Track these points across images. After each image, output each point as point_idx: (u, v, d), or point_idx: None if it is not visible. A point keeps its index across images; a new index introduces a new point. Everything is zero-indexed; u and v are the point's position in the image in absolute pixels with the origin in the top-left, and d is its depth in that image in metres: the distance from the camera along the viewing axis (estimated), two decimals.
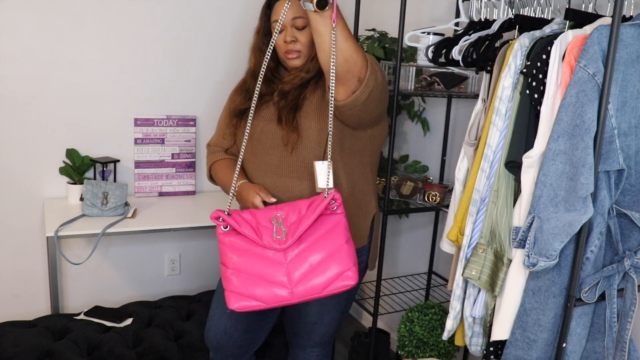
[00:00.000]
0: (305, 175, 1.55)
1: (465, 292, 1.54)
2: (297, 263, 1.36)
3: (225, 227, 1.39)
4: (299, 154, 1.55)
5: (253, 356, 1.85)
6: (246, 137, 1.45)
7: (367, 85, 1.41)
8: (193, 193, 2.61)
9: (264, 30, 1.62)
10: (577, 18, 1.39)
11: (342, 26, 1.35)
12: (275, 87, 1.60)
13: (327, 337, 1.74)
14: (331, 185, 1.42)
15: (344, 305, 1.71)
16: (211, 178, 1.80)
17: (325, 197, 1.39)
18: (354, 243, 1.49)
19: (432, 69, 2.07)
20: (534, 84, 1.35)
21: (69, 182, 2.33)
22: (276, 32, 1.43)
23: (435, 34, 1.95)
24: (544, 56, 1.32)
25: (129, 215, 2.20)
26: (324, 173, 1.43)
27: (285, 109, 1.55)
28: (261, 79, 1.42)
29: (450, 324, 1.57)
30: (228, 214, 1.40)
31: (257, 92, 1.43)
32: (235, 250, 1.38)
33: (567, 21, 1.39)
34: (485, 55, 1.62)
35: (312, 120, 1.54)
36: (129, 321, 2.13)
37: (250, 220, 1.40)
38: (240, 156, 1.47)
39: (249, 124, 1.45)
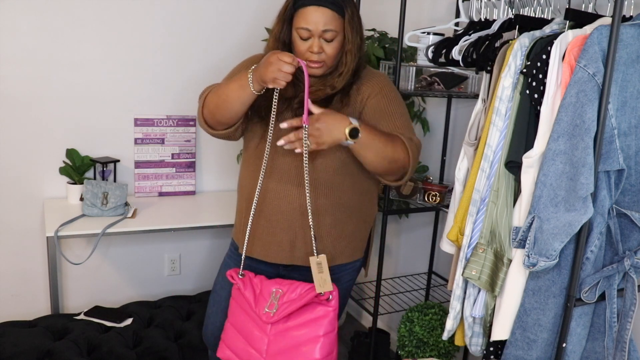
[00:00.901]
0: (312, 187, 1.52)
1: (465, 292, 1.54)
2: (277, 338, 1.47)
3: (242, 275, 1.54)
4: (314, 167, 1.53)
5: None
6: (269, 141, 1.47)
7: (412, 169, 1.52)
8: (193, 193, 2.61)
9: (284, 36, 1.52)
10: (577, 18, 1.39)
11: (378, 138, 1.42)
12: (299, 91, 1.53)
13: None
14: (328, 288, 1.45)
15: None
16: (205, 116, 1.59)
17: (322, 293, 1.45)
18: (354, 255, 1.61)
19: (432, 69, 2.07)
20: (534, 84, 1.35)
21: (69, 182, 2.33)
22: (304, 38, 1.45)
23: (435, 34, 1.95)
24: (544, 56, 1.32)
25: (129, 215, 2.20)
26: (316, 272, 1.45)
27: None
28: (276, 98, 1.42)
29: (450, 324, 1.57)
30: (242, 275, 1.54)
31: (274, 108, 1.44)
32: (239, 307, 1.54)
33: (567, 21, 1.39)
34: (485, 55, 1.62)
35: None
36: (129, 321, 2.13)
37: (256, 286, 1.52)
38: (266, 156, 1.49)
39: (271, 128, 1.46)
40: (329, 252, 1.55)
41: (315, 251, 1.45)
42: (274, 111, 1.44)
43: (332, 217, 1.57)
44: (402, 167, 1.49)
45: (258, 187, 1.52)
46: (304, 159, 1.41)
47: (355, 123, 1.39)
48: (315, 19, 1.43)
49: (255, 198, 1.53)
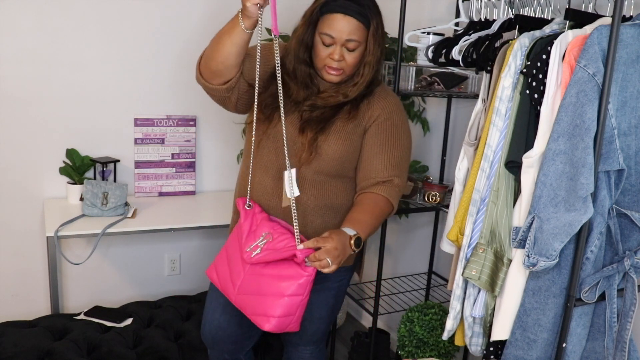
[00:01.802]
0: (303, 188, 1.54)
1: (465, 292, 1.54)
2: (250, 279, 1.47)
3: (249, 206, 1.56)
4: (309, 168, 1.54)
5: (251, 353, 1.85)
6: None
7: (395, 210, 1.57)
8: (193, 193, 2.61)
9: (308, 38, 1.50)
10: (577, 18, 1.39)
11: (372, 226, 1.49)
12: (311, 94, 1.54)
13: (318, 335, 1.74)
14: (296, 193, 1.43)
15: (332, 303, 1.70)
16: (201, 69, 1.54)
17: (306, 261, 1.40)
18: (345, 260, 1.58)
19: (432, 69, 2.07)
20: (534, 84, 1.35)
21: (69, 182, 2.33)
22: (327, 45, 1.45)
23: (435, 34, 1.95)
24: (544, 56, 1.32)
25: (129, 215, 2.20)
26: (288, 182, 1.43)
27: (311, 124, 1.51)
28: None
29: (450, 324, 1.57)
30: (249, 205, 1.55)
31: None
32: (234, 238, 1.55)
33: (567, 21, 1.39)
34: (485, 55, 1.62)
35: (333, 144, 1.52)
36: (129, 321, 2.13)
37: (254, 222, 1.51)
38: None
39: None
40: None
41: (298, 242, 1.42)
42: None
43: (321, 218, 1.57)
44: (388, 215, 1.57)
45: (249, 181, 1.57)
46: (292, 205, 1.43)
47: (352, 233, 1.42)
48: (341, 27, 1.43)
49: (248, 190, 1.56)
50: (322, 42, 1.46)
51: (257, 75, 1.44)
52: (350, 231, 1.42)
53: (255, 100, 1.48)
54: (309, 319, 1.67)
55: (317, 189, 1.56)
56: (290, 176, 1.42)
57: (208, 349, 1.80)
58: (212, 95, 1.57)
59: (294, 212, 1.40)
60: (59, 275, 2.45)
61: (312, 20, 1.48)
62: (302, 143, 1.51)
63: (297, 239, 1.39)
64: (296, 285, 1.40)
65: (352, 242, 1.40)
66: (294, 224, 1.40)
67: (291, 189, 1.42)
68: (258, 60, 1.42)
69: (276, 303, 1.41)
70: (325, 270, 1.35)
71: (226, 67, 1.48)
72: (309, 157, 1.51)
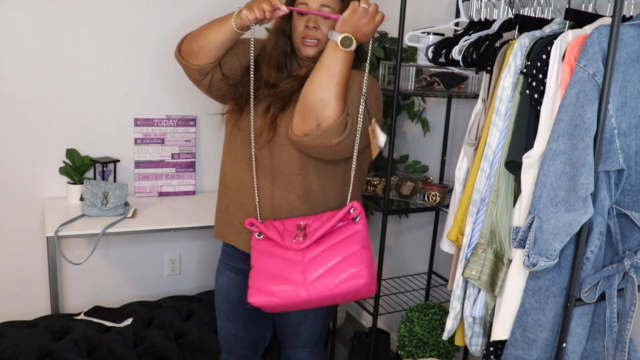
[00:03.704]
0: (276, 178, 1.51)
1: (465, 292, 1.54)
2: (314, 263, 1.40)
3: (259, 235, 1.49)
4: (275, 156, 1.50)
5: (261, 357, 1.86)
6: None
7: (323, 136, 1.38)
8: (193, 193, 2.61)
9: (285, 26, 1.54)
10: (577, 18, 1.39)
11: (346, 73, 1.38)
12: (282, 77, 1.54)
13: (315, 337, 1.73)
14: (382, 139, 1.44)
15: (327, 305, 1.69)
16: (181, 45, 1.60)
17: (351, 211, 1.44)
18: None
19: (432, 69, 2.07)
20: (534, 84, 1.35)
21: (69, 182, 2.33)
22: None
23: (435, 34, 1.95)
24: (544, 56, 1.32)
25: (129, 215, 2.20)
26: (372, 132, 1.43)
27: (275, 103, 1.50)
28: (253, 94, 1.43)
29: (450, 324, 1.57)
30: (260, 221, 1.51)
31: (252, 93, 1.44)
32: (263, 253, 1.47)
33: (567, 21, 1.39)
34: (485, 55, 1.62)
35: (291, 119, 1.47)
36: (129, 321, 2.13)
37: (278, 227, 1.48)
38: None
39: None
40: None
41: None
42: (252, 95, 1.44)
43: (300, 212, 1.55)
44: (319, 122, 1.38)
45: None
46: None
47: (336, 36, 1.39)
48: None
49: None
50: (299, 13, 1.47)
51: (252, 72, 1.46)
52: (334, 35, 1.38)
53: (251, 94, 1.49)
54: (304, 321, 1.67)
55: (291, 185, 1.52)
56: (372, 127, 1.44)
57: (224, 354, 1.81)
58: (186, 73, 1.60)
59: None
60: (59, 275, 2.45)
61: (289, 1, 1.51)
62: (263, 123, 1.49)
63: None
64: (360, 238, 1.41)
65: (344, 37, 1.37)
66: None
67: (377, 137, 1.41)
68: (252, 53, 1.47)
69: (355, 259, 1.39)
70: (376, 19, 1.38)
71: (204, 53, 1.51)
72: (268, 136, 1.48)
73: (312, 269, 1.40)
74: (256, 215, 1.53)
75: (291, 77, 1.53)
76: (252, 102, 1.48)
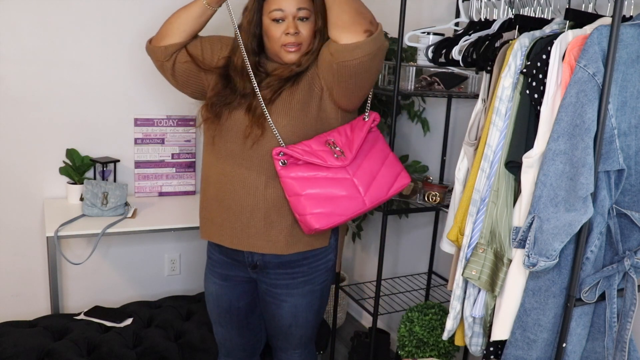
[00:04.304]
0: (263, 170, 1.48)
1: (465, 292, 1.54)
2: (360, 175, 1.49)
3: (284, 163, 1.45)
4: (260, 149, 1.47)
5: (259, 358, 1.87)
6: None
7: (377, 38, 1.36)
8: (193, 193, 2.61)
9: (255, 23, 1.49)
10: (577, 18, 1.39)
11: None
12: (260, 81, 1.50)
13: (305, 338, 1.73)
14: None
15: (317, 305, 1.67)
16: (153, 37, 1.62)
17: (365, 119, 1.54)
18: (316, 242, 1.56)
19: (432, 69, 2.07)
20: (534, 84, 1.35)
21: (69, 182, 2.33)
22: (277, 21, 1.45)
23: (435, 34, 1.95)
24: (544, 56, 1.32)
25: (129, 215, 2.20)
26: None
27: (257, 103, 1.47)
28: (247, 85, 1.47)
29: (450, 324, 1.57)
30: (282, 153, 1.48)
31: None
32: (303, 179, 1.45)
33: (567, 21, 1.39)
34: (485, 55, 1.62)
35: (281, 116, 1.46)
36: (129, 321, 2.13)
37: (306, 149, 1.46)
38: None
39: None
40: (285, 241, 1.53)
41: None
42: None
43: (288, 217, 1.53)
44: (366, 27, 1.34)
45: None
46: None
47: None
48: None
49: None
50: (274, 19, 1.45)
51: (246, 61, 1.49)
52: None
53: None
54: (295, 323, 1.66)
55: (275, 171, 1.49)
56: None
57: (223, 357, 1.82)
58: (152, 58, 1.62)
59: None
60: (59, 275, 2.45)
61: (256, 8, 1.48)
62: (249, 121, 1.47)
63: None
64: (382, 142, 1.58)
65: None
66: None
67: None
68: (241, 45, 1.50)
69: (392, 163, 1.55)
70: None
71: (172, 31, 1.54)
72: (256, 133, 1.45)
73: (362, 181, 1.48)
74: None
75: (273, 76, 1.50)
76: (255, 85, 1.49)
